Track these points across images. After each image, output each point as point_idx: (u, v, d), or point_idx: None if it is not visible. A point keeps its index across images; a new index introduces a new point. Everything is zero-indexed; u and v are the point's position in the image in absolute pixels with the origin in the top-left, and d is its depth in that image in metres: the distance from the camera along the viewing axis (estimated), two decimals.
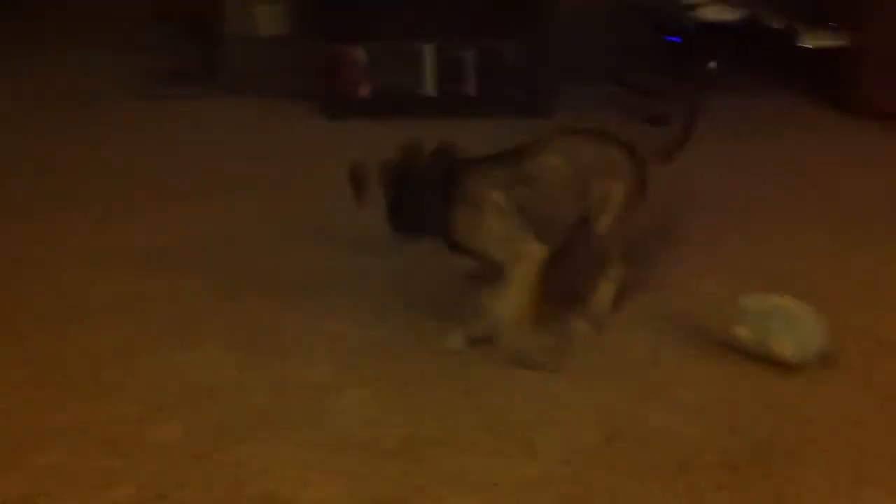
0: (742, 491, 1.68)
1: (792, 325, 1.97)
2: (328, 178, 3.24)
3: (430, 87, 3.83)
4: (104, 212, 3.04)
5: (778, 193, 2.99)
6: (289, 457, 1.81)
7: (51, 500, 1.72)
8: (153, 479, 1.76)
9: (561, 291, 2.37)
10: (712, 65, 2.48)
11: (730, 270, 2.49)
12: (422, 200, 1.95)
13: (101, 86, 4.51)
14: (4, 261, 2.69)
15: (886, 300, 2.31)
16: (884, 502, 1.66)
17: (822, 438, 1.81)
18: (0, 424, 1.93)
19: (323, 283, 2.51)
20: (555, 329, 2.22)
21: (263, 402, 2.00)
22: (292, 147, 3.62)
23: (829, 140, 3.45)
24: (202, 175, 3.35)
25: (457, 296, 2.30)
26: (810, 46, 3.60)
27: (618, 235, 2.19)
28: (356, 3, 3.88)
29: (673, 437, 1.83)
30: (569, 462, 1.77)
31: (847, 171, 3.15)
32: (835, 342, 2.03)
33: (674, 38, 3.60)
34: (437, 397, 1.98)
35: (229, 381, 2.07)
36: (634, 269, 2.49)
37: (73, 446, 1.86)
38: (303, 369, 2.11)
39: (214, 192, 3.19)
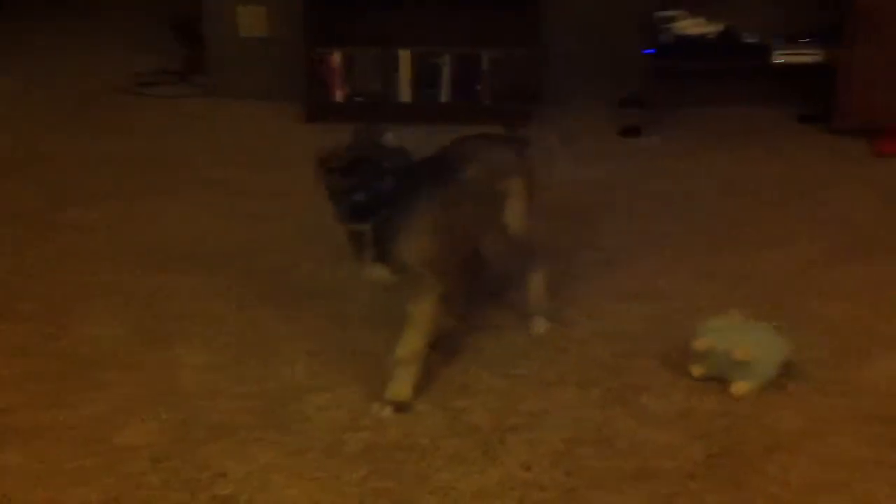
0: (699, 498, 1.70)
1: (748, 369, 1.97)
2: (305, 179, 3.25)
3: (405, 92, 3.84)
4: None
5: (751, 204, 3.02)
6: (249, 460, 1.81)
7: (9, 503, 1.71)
8: (112, 481, 1.76)
9: (497, 302, 2.39)
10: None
11: (703, 279, 2.51)
12: (374, 188, 1.84)
13: (86, 84, 4.49)
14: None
15: (852, 310, 2.33)
16: None
17: (780, 446, 1.83)
18: None
19: (310, 286, 2.52)
20: (516, 338, 2.23)
21: (228, 404, 2.00)
22: (270, 147, 3.62)
23: (805, 153, 3.49)
24: (181, 174, 3.34)
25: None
26: (784, 61, 3.63)
27: (530, 229, 2.20)
28: (335, 6, 3.90)
29: (633, 443, 1.85)
30: (529, 467, 1.78)
31: (821, 183, 3.18)
32: (792, 348, 2.05)
33: (649, 51, 3.63)
34: None
35: (196, 383, 2.07)
36: (608, 276, 2.52)
37: (40, 448, 1.86)
38: (271, 372, 2.12)
39: (191, 191, 3.19)
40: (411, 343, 1.97)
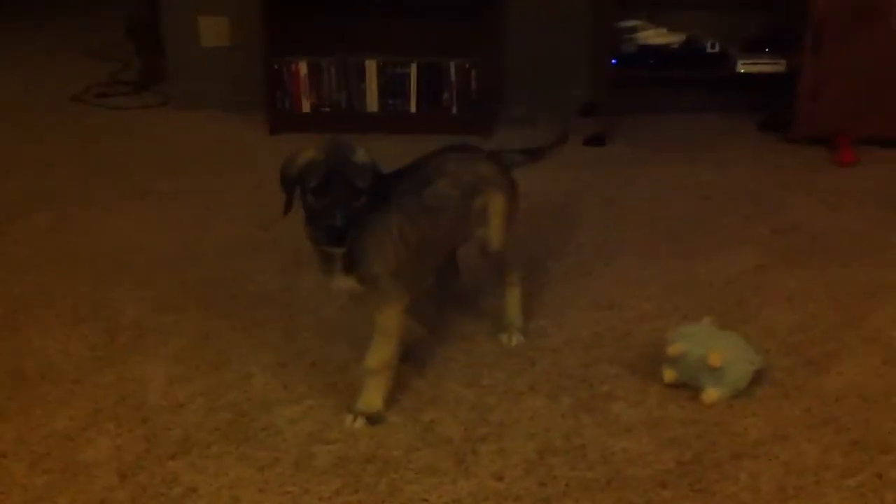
0: None
1: (720, 376, 1.99)
2: (269, 191, 3.24)
3: (372, 102, 3.84)
4: (50, 219, 3.00)
5: (712, 212, 3.05)
6: (219, 474, 1.79)
7: None
8: (77, 498, 1.72)
9: (467, 312, 2.39)
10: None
11: (664, 287, 2.53)
12: (348, 206, 1.81)
13: (42, 93, 4.45)
14: None
15: (813, 316, 2.36)
16: None
17: (749, 452, 1.84)
18: None
19: (265, 297, 2.49)
20: (487, 348, 2.23)
21: (195, 417, 1.97)
22: (234, 159, 3.59)
23: (764, 162, 3.53)
24: (142, 185, 3.31)
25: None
26: (745, 71, 3.68)
27: (509, 244, 2.21)
28: (300, 16, 3.88)
29: (604, 451, 1.85)
30: (501, 477, 1.78)
31: (779, 191, 3.23)
32: (763, 358, 2.07)
33: (613, 61, 3.66)
34: None
35: (161, 396, 2.04)
36: (576, 286, 2.53)
37: (0, 465, 1.82)
38: (236, 384, 2.09)
39: (153, 202, 3.15)
40: (380, 354, 1.96)
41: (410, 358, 2.13)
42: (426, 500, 1.72)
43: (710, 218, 3.00)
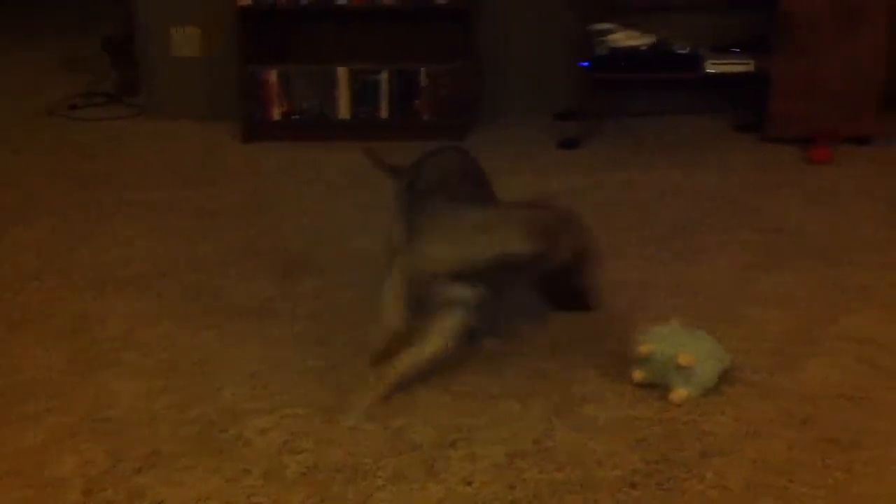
0: None
1: (689, 375, 1.99)
2: (247, 200, 3.24)
3: (343, 109, 3.83)
4: (28, 234, 2.98)
5: (691, 214, 3.06)
6: (187, 487, 1.77)
7: None
8: None
9: None
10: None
11: (644, 289, 2.53)
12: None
13: (17, 105, 4.43)
14: None
15: (786, 316, 2.37)
16: None
17: (718, 451, 1.84)
18: None
19: (232, 306, 2.48)
20: (459, 352, 2.22)
21: (164, 431, 1.95)
22: (210, 169, 3.58)
23: (741, 162, 3.55)
24: (120, 197, 3.29)
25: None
26: (716, 71, 3.70)
27: None
28: (272, 25, 3.88)
29: (574, 453, 1.85)
30: (470, 482, 1.77)
31: (757, 191, 3.24)
32: (731, 357, 2.08)
33: (584, 64, 3.67)
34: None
35: (130, 410, 2.03)
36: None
37: None
38: (208, 395, 2.08)
39: (132, 215, 3.14)
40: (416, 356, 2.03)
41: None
42: None
43: (689, 220, 3.01)
